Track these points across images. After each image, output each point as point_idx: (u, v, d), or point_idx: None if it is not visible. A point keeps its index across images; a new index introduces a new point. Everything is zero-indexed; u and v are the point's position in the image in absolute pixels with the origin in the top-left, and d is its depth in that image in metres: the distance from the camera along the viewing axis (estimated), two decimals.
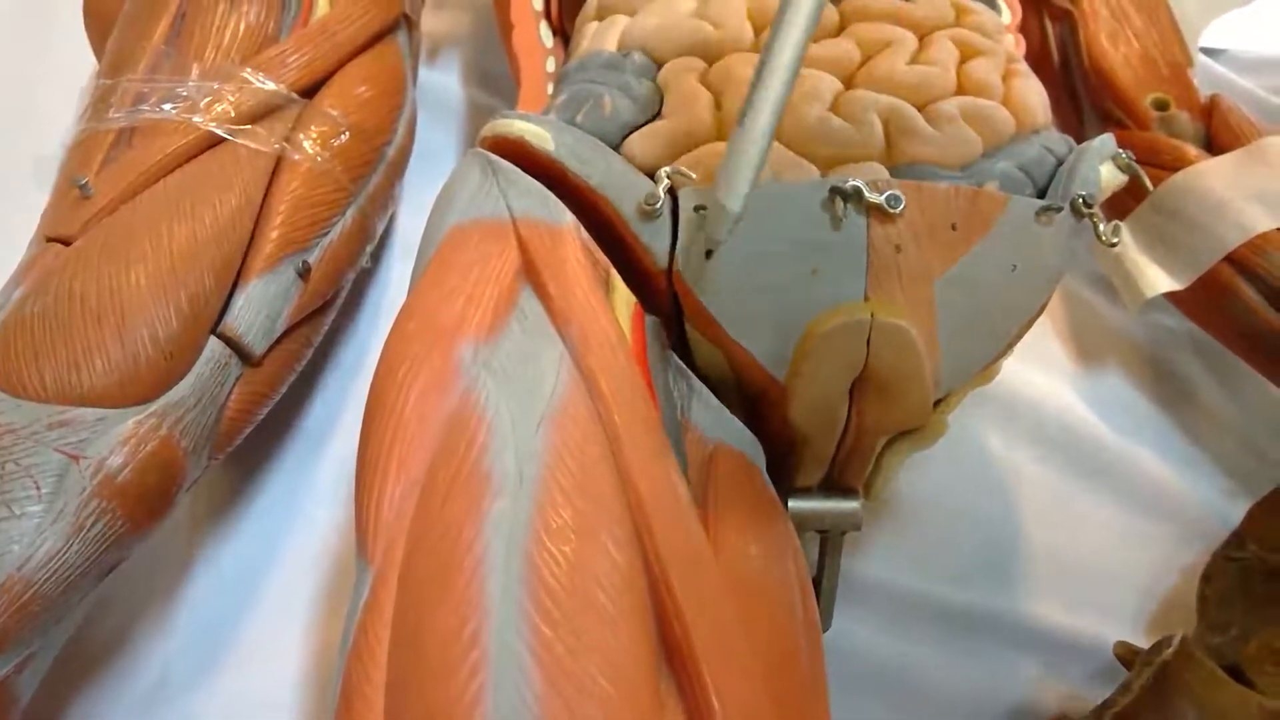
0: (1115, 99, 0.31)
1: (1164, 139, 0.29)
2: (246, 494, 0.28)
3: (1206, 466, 0.30)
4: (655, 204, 0.20)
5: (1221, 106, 0.30)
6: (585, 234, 0.20)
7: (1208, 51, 0.39)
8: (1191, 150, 0.29)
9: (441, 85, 0.39)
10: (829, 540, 0.22)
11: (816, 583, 0.23)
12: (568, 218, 0.20)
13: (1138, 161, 0.30)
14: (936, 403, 0.22)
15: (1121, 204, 0.30)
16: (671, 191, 0.20)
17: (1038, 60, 0.35)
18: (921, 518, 0.28)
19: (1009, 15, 0.30)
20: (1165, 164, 0.29)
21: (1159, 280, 0.28)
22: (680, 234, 0.20)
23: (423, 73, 0.40)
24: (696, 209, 0.20)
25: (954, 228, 0.19)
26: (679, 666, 0.15)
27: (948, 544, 0.28)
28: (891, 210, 0.19)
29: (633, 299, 0.20)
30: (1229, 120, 0.30)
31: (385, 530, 0.16)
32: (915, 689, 0.26)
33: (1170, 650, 0.22)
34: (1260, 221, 0.27)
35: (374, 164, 0.29)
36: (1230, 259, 0.28)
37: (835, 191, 0.19)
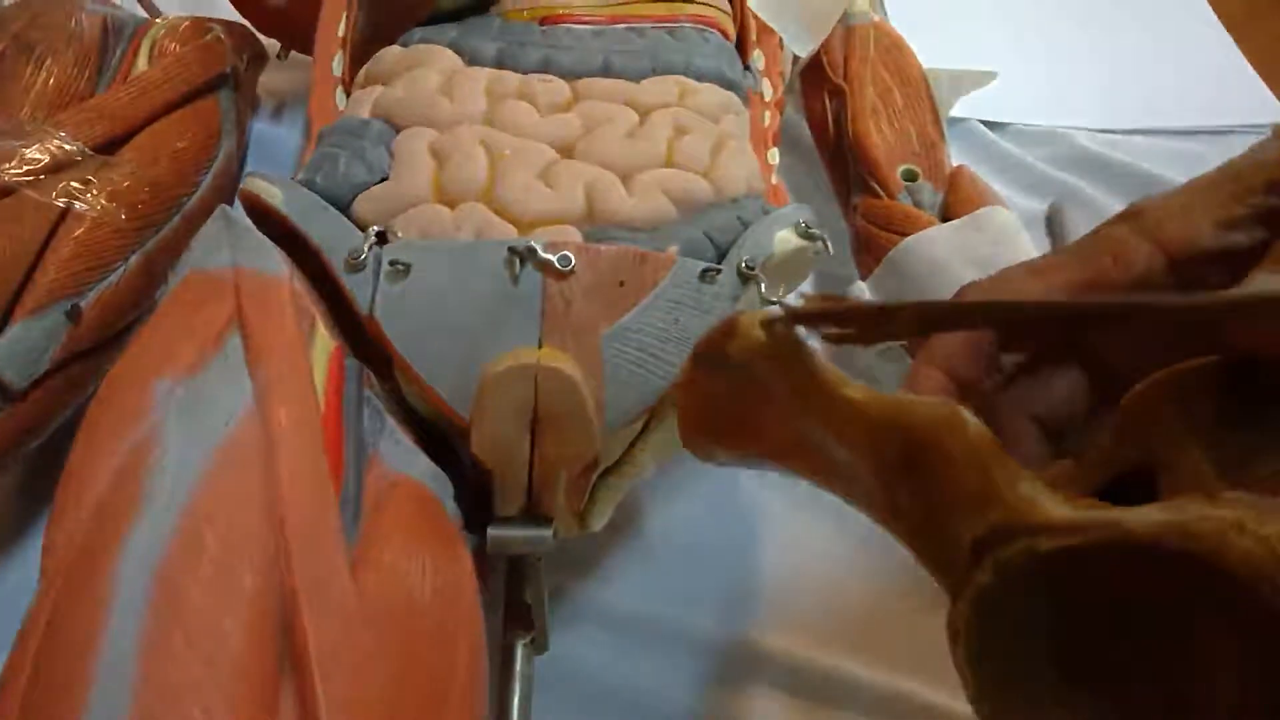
0: (869, 169, 0.34)
1: (901, 206, 0.32)
2: (32, 522, 0.29)
3: None
4: (359, 257, 0.22)
5: (961, 178, 0.34)
6: (299, 284, 0.22)
7: (952, 121, 0.42)
8: (924, 217, 0.32)
9: (282, 139, 0.42)
10: (527, 565, 0.24)
11: (529, 606, 0.24)
12: (283, 269, 0.22)
13: (881, 227, 0.33)
14: (635, 441, 0.24)
15: (868, 266, 0.33)
16: (382, 246, 0.23)
17: (819, 132, 0.38)
18: (672, 551, 0.30)
19: (769, 91, 0.34)
20: (900, 229, 0.32)
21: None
22: (379, 285, 0.22)
23: (265, 128, 0.43)
24: (392, 263, 0.22)
25: (621, 285, 0.22)
26: (296, 668, 0.17)
27: (696, 576, 0.30)
28: (562, 269, 0.21)
29: (332, 345, 0.22)
30: (964, 191, 0.33)
31: (55, 555, 0.18)
32: (662, 715, 0.28)
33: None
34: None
35: (170, 213, 0.31)
36: None
37: (513, 251, 0.21)
